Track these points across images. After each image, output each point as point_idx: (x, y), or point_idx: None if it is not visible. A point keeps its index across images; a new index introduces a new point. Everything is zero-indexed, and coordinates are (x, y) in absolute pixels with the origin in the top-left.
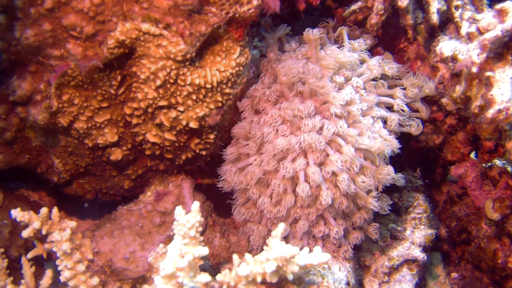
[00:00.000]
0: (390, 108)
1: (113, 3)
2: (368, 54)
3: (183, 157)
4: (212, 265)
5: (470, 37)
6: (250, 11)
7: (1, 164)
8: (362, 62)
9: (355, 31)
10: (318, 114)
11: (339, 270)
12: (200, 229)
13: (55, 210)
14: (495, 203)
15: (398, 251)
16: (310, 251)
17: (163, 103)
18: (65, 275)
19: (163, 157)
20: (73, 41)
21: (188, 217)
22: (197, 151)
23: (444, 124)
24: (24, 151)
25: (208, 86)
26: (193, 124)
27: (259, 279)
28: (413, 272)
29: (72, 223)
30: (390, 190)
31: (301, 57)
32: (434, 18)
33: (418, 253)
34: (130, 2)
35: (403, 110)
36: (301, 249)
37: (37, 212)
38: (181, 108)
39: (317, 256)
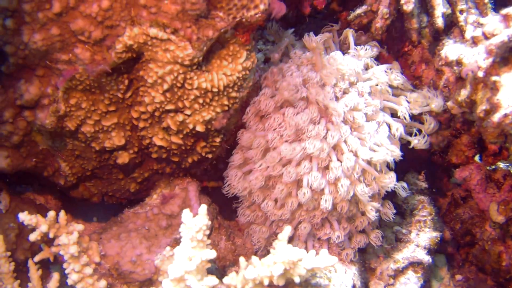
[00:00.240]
0: (395, 115)
1: (121, 8)
2: (374, 62)
3: (189, 160)
4: (218, 267)
5: (475, 41)
6: (257, 15)
7: (9, 168)
8: (368, 68)
9: (362, 36)
10: (323, 117)
11: (345, 272)
12: (208, 232)
13: (62, 213)
14: (499, 206)
15: (403, 254)
16: (317, 253)
17: (170, 107)
18: (72, 278)
19: (169, 160)
20: (81, 45)
21: (196, 220)
22: (203, 154)
23: (449, 127)
24: (31, 154)
25: (215, 90)
26: (199, 128)
27: (266, 282)
28: (418, 275)
29: (79, 226)
30: (394, 192)
31: (306, 63)
32: (439, 22)
33: (423, 256)
34: (138, 7)
35: (405, 118)
36: (307, 251)
37: (43, 215)
38: (188, 112)
39: (324, 259)
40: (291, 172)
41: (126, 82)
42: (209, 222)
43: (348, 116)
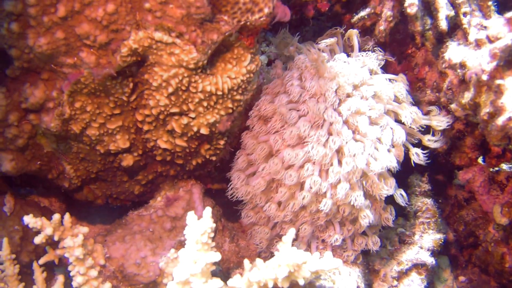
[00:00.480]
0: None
1: (126, 12)
2: (379, 69)
3: (194, 162)
4: (222, 269)
5: (478, 44)
6: (261, 19)
7: (13, 171)
8: (372, 73)
9: (368, 41)
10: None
11: (349, 275)
12: (212, 235)
13: (67, 216)
14: (503, 208)
15: (407, 256)
16: (321, 256)
17: (174, 110)
18: (77, 280)
19: (173, 162)
20: (87, 49)
21: (201, 223)
22: (207, 156)
23: (452, 129)
24: (35, 157)
25: (219, 93)
26: (204, 131)
27: (270, 285)
28: (422, 276)
29: (84, 229)
30: None
31: (308, 70)
32: (443, 24)
33: (426, 258)
34: (143, 11)
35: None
36: (311, 253)
37: (47, 217)
38: (192, 115)
39: (328, 261)
40: (293, 175)
41: (131, 85)
42: (214, 225)
43: (351, 119)
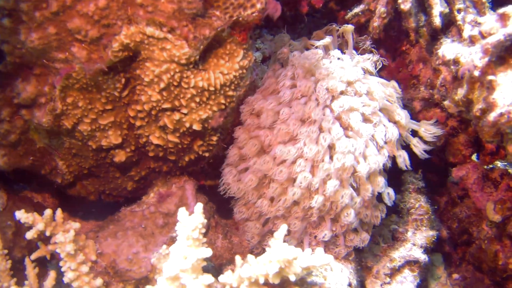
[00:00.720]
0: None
1: (118, 7)
2: (374, 69)
3: (186, 158)
4: (215, 266)
5: (472, 40)
6: (254, 14)
7: (6, 166)
8: (366, 72)
9: (366, 40)
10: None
11: (341, 271)
12: (203, 230)
13: (59, 211)
14: (496, 205)
15: (400, 252)
16: (312, 252)
17: (166, 105)
18: (68, 276)
19: (166, 158)
20: (78, 44)
21: (191, 218)
22: (200, 152)
23: (446, 126)
24: (28, 153)
25: (212, 88)
26: (196, 126)
27: (261, 281)
28: (415, 273)
29: (75, 225)
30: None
31: (301, 69)
32: (437, 21)
33: (419, 254)
34: (135, 6)
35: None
36: (303, 249)
37: (40, 213)
38: (184, 111)
39: (319, 257)
40: (283, 171)
41: (123, 80)
42: (205, 221)
43: (344, 116)
